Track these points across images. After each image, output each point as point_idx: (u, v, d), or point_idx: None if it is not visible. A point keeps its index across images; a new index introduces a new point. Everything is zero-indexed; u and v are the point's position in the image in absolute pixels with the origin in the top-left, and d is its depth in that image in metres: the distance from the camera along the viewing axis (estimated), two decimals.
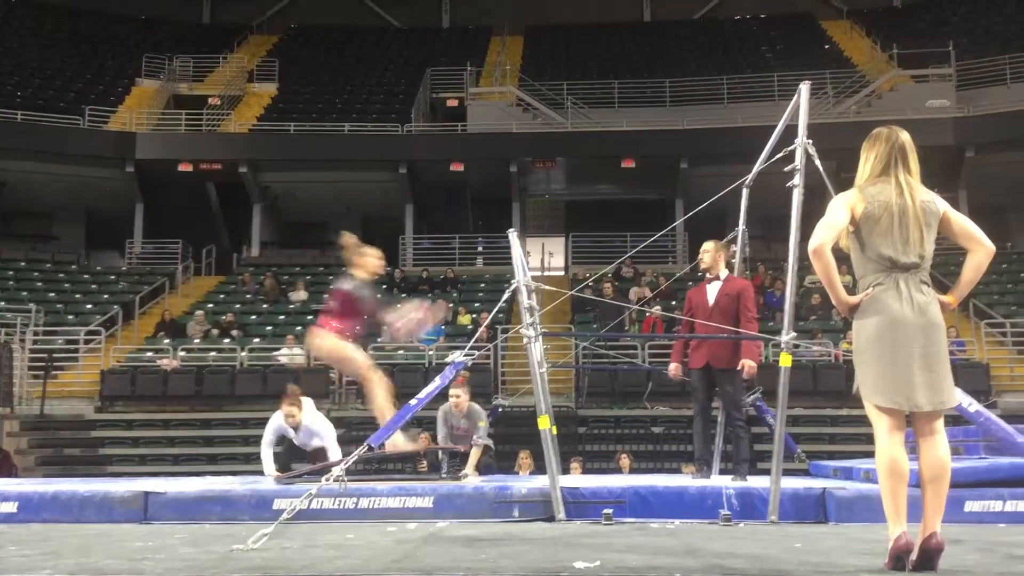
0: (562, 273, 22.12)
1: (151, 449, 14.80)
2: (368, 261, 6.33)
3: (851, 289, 3.64)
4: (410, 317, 6.26)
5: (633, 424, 14.78)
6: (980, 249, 3.54)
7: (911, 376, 3.39)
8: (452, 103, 25.04)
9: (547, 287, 7.63)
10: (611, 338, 15.32)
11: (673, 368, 6.78)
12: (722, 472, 7.11)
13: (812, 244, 3.47)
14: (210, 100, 24.62)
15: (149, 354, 16.70)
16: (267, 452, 7.73)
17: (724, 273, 6.63)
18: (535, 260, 23.13)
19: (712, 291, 6.58)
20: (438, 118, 25.27)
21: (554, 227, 25.13)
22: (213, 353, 16.68)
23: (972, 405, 5.02)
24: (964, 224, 3.58)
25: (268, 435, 7.78)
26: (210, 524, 5.20)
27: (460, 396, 7.89)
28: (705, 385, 6.58)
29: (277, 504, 5.24)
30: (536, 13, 29.33)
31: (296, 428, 7.52)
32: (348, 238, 6.49)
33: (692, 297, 6.76)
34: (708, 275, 6.67)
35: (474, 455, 7.80)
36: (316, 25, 29.78)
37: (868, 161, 3.62)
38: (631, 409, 15.04)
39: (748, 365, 6.35)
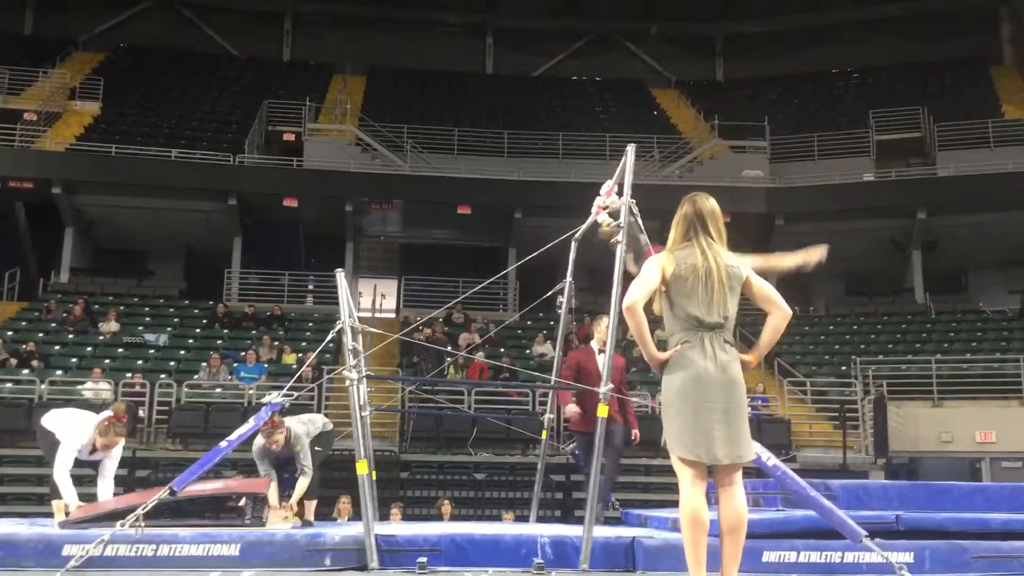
0: (393, 316, 21.95)
1: None
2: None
3: (663, 345, 3.81)
4: None
5: (456, 470, 14.74)
6: (778, 312, 3.80)
7: (712, 430, 3.56)
8: (289, 137, 24.46)
9: (375, 330, 7.57)
10: (437, 382, 15.31)
11: (571, 409, 7.18)
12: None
13: (626, 302, 3.62)
14: (26, 115, 22.99)
15: None
16: (68, 477, 7.13)
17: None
18: (367, 301, 22.89)
19: (602, 362, 6.92)
20: (273, 151, 24.61)
21: (388, 269, 24.97)
22: (9, 384, 15.49)
23: (771, 459, 5.29)
24: (764, 288, 3.83)
25: (70, 459, 7.14)
26: None
27: (279, 441, 7.50)
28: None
29: (67, 550, 4.87)
30: (380, 55, 29.36)
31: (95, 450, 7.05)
32: None
33: (582, 361, 7.28)
34: (598, 347, 7.22)
35: (300, 485, 6.92)
36: (147, 47, 28.50)
37: (676, 226, 3.83)
38: (455, 455, 15.02)
39: (636, 433, 7.33)
